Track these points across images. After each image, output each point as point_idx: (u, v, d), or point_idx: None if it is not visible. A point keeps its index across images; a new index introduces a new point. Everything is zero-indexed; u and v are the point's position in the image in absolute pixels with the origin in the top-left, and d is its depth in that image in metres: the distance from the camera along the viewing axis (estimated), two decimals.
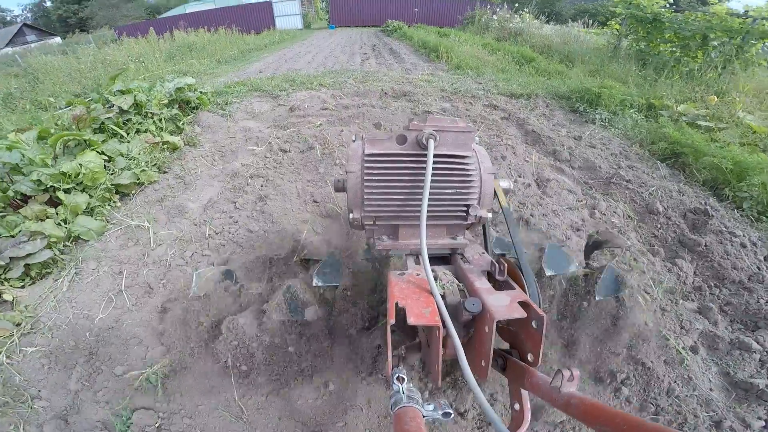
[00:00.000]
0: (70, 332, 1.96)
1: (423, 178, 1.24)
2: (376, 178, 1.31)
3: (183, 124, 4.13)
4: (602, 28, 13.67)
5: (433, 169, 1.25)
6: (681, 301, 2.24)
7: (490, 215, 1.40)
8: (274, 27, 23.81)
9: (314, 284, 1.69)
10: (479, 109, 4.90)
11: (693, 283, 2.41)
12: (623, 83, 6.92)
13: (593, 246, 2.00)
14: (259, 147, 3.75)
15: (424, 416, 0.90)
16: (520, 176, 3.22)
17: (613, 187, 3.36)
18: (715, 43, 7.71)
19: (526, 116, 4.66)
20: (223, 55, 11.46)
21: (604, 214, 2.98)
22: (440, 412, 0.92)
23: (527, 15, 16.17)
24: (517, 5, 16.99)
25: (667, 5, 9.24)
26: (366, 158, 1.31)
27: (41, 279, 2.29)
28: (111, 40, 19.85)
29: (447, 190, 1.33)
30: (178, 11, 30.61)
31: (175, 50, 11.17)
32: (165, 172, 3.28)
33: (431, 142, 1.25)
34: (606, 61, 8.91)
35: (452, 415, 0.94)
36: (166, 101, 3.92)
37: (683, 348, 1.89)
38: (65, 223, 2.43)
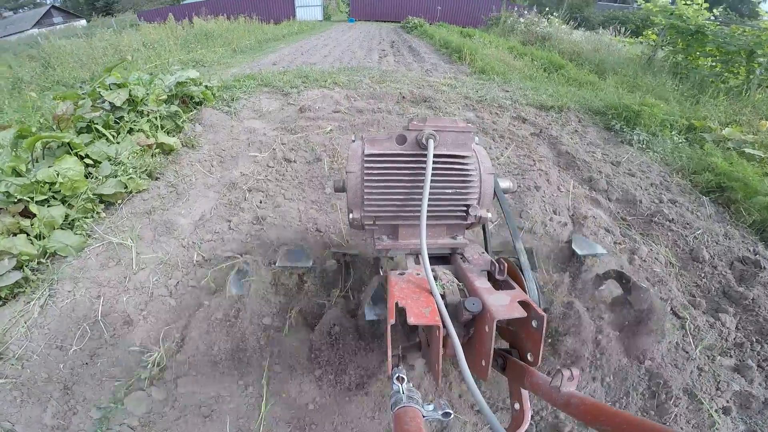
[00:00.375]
0: (42, 363, 1.75)
1: (423, 178, 1.25)
2: (376, 178, 1.30)
3: (183, 121, 3.85)
4: (634, 37, 13.03)
5: (433, 169, 1.25)
6: (719, 357, 2.00)
7: (489, 215, 1.39)
8: (294, 17, 23.52)
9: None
10: (507, 121, 4.49)
11: (734, 339, 2.11)
12: (662, 99, 6.45)
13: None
14: (262, 153, 3.45)
15: (424, 416, 0.90)
16: (555, 212, 2.84)
17: (655, 227, 2.97)
18: (762, 59, 7.16)
19: (558, 134, 4.22)
20: (240, 44, 11.22)
21: (645, 261, 2.61)
22: (440, 412, 0.92)
23: (555, 19, 15.57)
24: (546, 9, 16.37)
25: (712, 17, 8.70)
26: (366, 158, 1.30)
27: (12, 299, 2.05)
28: (131, 25, 19.89)
29: (447, 190, 1.33)
30: None
31: (191, 38, 10.96)
32: (157, 179, 3.00)
33: (431, 142, 1.24)
34: (640, 73, 8.40)
35: (452, 415, 0.94)
36: (164, 97, 3.64)
37: (716, 410, 1.71)
38: (40, 237, 2.18)
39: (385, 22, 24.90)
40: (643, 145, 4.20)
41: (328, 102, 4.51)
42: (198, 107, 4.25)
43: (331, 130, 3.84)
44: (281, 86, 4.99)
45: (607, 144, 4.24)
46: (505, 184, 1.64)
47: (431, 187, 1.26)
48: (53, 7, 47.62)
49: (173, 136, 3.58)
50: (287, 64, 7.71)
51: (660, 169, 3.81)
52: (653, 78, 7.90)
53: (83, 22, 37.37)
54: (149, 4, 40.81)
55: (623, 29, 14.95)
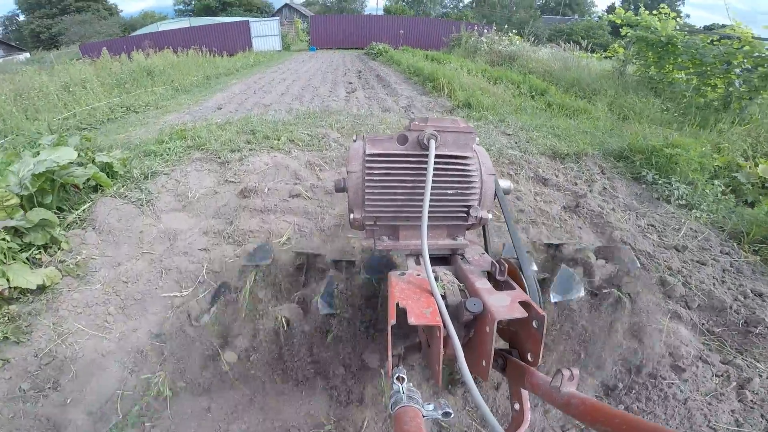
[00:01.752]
0: None
1: (424, 178, 1.24)
2: (377, 178, 1.29)
3: (63, 230, 2.58)
4: (594, 51, 12.95)
5: (434, 169, 1.24)
6: None
7: (490, 216, 1.39)
8: (251, 48, 22.50)
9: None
10: (528, 189, 3.45)
11: None
12: (655, 123, 5.84)
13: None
14: (183, 291, 2.21)
15: (424, 416, 0.90)
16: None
17: (754, 339, 2.06)
18: (738, 70, 6.79)
19: (599, 206, 3.24)
20: (184, 81, 9.95)
21: (757, 394, 1.76)
22: (440, 412, 0.92)
23: (515, 37, 15.52)
24: (506, 26, 16.34)
25: (678, 27, 8.41)
26: (367, 158, 1.29)
27: None
28: (71, 59, 18.10)
29: (448, 191, 1.32)
30: (150, 29, 29.01)
31: (128, 75, 9.59)
32: (6, 361, 1.74)
33: (432, 143, 1.24)
34: (621, 92, 7.93)
35: (452, 415, 0.94)
36: (14, 201, 2.31)
37: None
38: None
39: (348, 49, 24.42)
40: (683, 201, 3.35)
41: (282, 176, 3.31)
42: (91, 197, 2.96)
43: (287, 239, 2.61)
44: (218, 149, 3.72)
45: (643, 203, 3.34)
46: (505, 184, 1.58)
47: (432, 188, 1.24)
48: None
49: (43, 264, 2.28)
50: (235, 107, 6.54)
51: (718, 239, 2.93)
52: (637, 97, 7.42)
53: (26, 55, 34.88)
54: (96, 36, 38.69)
55: (571, 42, 15.10)
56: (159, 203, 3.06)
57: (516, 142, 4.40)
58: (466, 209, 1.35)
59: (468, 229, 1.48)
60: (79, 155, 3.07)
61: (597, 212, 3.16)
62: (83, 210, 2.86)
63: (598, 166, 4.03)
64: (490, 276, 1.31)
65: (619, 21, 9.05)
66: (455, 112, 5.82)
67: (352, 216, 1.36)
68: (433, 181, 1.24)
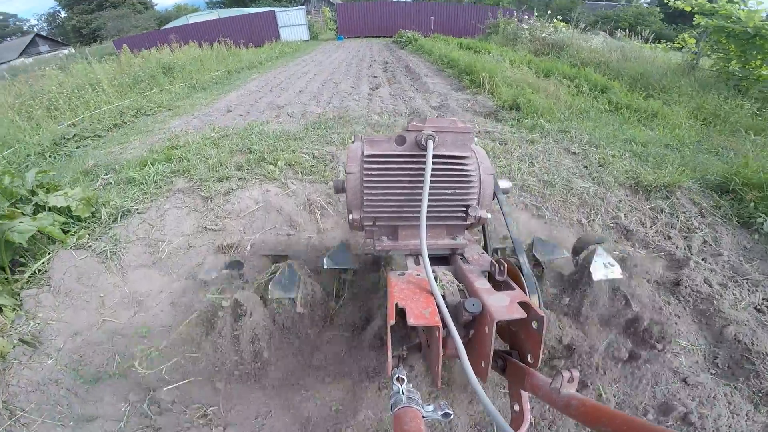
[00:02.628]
0: None
1: (422, 178, 1.24)
2: (376, 179, 1.29)
3: (17, 289, 2.09)
4: (660, 42, 11.24)
5: (433, 169, 1.24)
6: None
7: (489, 215, 1.37)
8: (278, 39, 21.94)
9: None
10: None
11: None
12: (758, 132, 4.60)
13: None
14: (144, 370, 1.71)
15: (423, 417, 0.90)
16: None
17: None
18: None
19: (705, 280, 2.23)
20: (202, 78, 9.44)
21: None
22: (440, 413, 0.92)
23: (560, 23, 13.98)
24: (540, 13, 14.73)
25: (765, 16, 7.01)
26: (365, 159, 1.29)
27: None
28: (108, 54, 18.29)
29: (446, 191, 1.31)
30: (180, 21, 29.16)
31: (145, 73, 9.19)
32: None
33: (430, 143, 1.23)
34: (699, 91, 6.57)
35: (452, 416, 0.93)
36: None
37: None
38: None
39: (375, 38, 23.33)
40: None
41: (273, 222, 2.54)
42: (52, 247, 2.37)
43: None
44: (204, 177, 3.00)
45: (753, 261, 2.34)
46: (504, 184, 1.58)
47: (431, 188, 1.24)
48: (38, 35, 47.15)
49: None
50: (246, 109, 5.85)
51: None
52: (720, 98, 6.06)
53: (69, 49, 36.52)
54: (133, 30, 39.74)
55: (613, 29, 13.39)
56: (127, 256, 2.42)
57: (586, 167, 3.33)
58: (465, 209, 1.35)
59: (467, 229, 1.46)
60: (26, 199, 2.46)
61: (705, 294, 2.12)
62: (42, 263, 2.31)
63: (694, 203, 2.94)
64: (489, 276, 1.30)
65: (688, 8, 7.80)
66: (500, 115, 4.77)
67: (351, 217, 1.35)
68: (432, 181, 1.24)
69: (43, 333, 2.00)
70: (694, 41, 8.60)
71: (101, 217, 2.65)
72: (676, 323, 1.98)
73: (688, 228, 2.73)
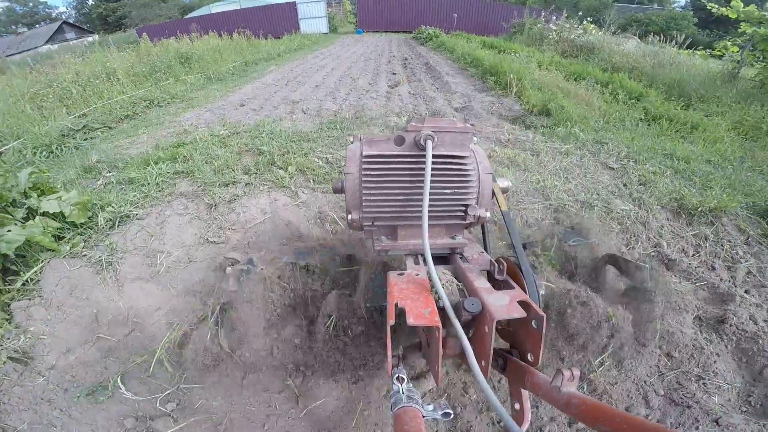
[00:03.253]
0: None
1: (421, 178, 1.25)
2: (375, 179, 1.29)
3: (9, 297, 1.96)
4: (680, 46, 10.59)
5: (432, 169, 1.24)
6: None
7: (488, 214, 1.37)
8: (298, 31, 21.75)
9: None
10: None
11: None
12: None
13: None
14: (138, 396, 1.61)
15: (423, 416, 0.90)
16: None
17: None
18: None
19: (750, 316, 2.03)
20: (219, 69, 9.28)
21: None
22: (440, 412, 0.93)
23: (590, 26, 13.39)
24: (580, 14, 14.13)
25: None
26: (364, 159, 1.29)
27: None
28: (131, 42, 18.40)
29: (445, 191, 1.31)
30: (202, 11, 29.21)
31: (162, 62, 9.08)
32: None
33: (429, 143, 1.23)
34: (742, 103, 6.09)
35: (452, 415, 0.95)
36: None
37: None
38: None
39: (395, 32, 22.92)
40: None
41: (280, 238, 2.27)
42: (44, 255, 2.18)
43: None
44: (209, 180, 2.78)
45: None
46: (503, 183, 1.60)
47: (430, 188, 1.22)
48: (65, 23, 48.29)
49: None
50: (260, 103, 5.63)
51: None
52: (763, 110, 5.58)
53: (95, 37, 37.17)
54: (157, 18, 40.20)
55: (644, 32, 12.77)
56: (123, 267, 2.22)
57: (625, 184, 2.99)
58: (464, 208, 1.34)
59: (466, 228, 1.46)
60: (18, 201, 2.27)
61: (750, 332, 1.92)
62: (34, 272, 2.13)
63: (741, 231, 2.62)
64: (489, 275, 1.30)
65: (733, 15, 7.33)
66: (528, 121, 4.41)
67: (350, 217, 1.34)
68: (431, 181, 1.24)
69: (35, 349, 1.85)
70: (737, 49, 8.07)
71: (98, 223, 2.46)
72: (714, 361, 1.85)
73: (732, 258, 2.46)
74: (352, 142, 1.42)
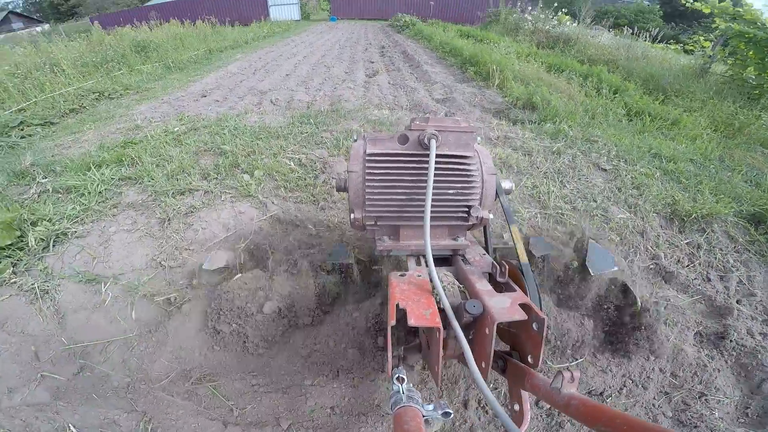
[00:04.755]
0: None
1: (424, 178, 1.24)
2: (378, 177, 1.27)
3: None
4: (654, 40, 10.77)
5: (435, 169, 1.22)
6: None
7: (491, 216, 1.37)
8: (267, 17, 20.72)
9: None
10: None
11: None
12: None
13: None
14: None
15: (423, 416, 0.90)
16: None
17: None
18: None
19: (747, 330, 2.00)
20: (180, 58, 8.56)
21: None
22: (440, 412, 0.92)
23: (565, 17, 13.46)
24: (556, 4, 14.13)
25: None
26: (368, 158, 1.27)
27: None
28: (84, 31, 16.81)
29: (448, 191, 1.30)
30: None
31: (115, 52, 8.25)
32: None
33: (433, 142, 1.22)
34: (712, 97, 6.20)
35: (452, 415, 0.94)
36: None
37: None
38: None
39: (371, 20, 22.30)
40: None
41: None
42: None
43: None
44: (162, 187, 2.36)
45: None
46: (506, 185, 1.58)
47: (433, 188, 1.21)
48: (11, 12, 44.48)
49: None
50: (224, 94, 5.15)
51: None
52: (735, 106, 5.69)
53: (45, 26, 34.29)
54: (113, 6, 37.50)
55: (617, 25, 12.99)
56: (62, 295, 1.87)
57: (619, 188, 2.83)
58: (467, 209, 1.33)
59: (469, 230, 1.45)
60: None
61: (749, 347, 1.89)
62: None
63: (731, 238, 2.54)
64: (490, 277, 1.29)
65: (707, 10, 7.46)
66: (512, 114, 4.19)
67: (352, 216, 1.33)
68: (434, 181, 1.22)
69: None
70: (710, 44, 8.22)
71: (29, 244, 2.05)
72: (715, 378, 1.79)
73: (724, 267, 2.37)
74: (355, 140, 1.40)
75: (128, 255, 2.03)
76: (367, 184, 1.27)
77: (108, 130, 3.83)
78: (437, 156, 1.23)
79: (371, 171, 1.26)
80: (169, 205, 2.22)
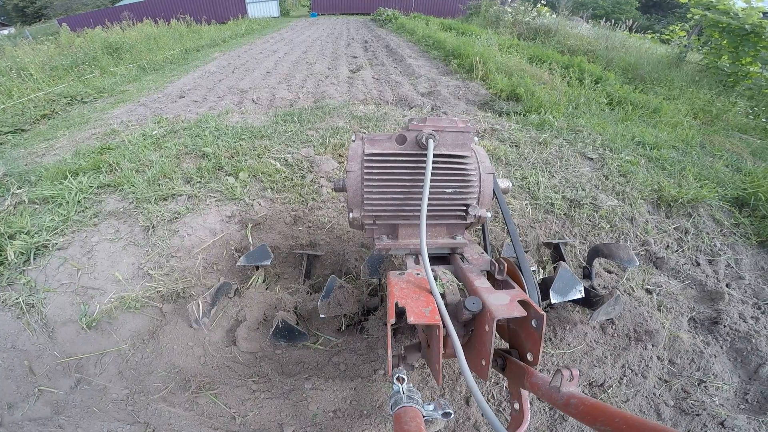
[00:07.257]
0: None
1: (422, 177, 1.25)
2: (376, 177, 1.28)
3: None
4: (630, 30, 10.99)
5: (433, 168, 1.25)
6: None
7: (489, 214, 1.36)
8: (245, 14, 20.26)
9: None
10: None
11: None
12: (749, 131, 4.38)
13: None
14: None
15: (424, 416, 0.90)
16: None
17: None
18: None
19: (739, 314, 2.03)
20: (155, 58, 8.29)
21: None
22: (440, 412, 0.92)
23: (544, 8, 13.58)
24: None
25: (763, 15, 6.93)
26: (366, 158, 1.28)
27: None
28: (52, 33, 16.08)
29: (446, 190, 1.31)
30: None
31: (86, 54, 7.92)
32: None
33: (431, 142, 1.23)
34: (689, 85, 6.36)
35: (452, 415, 0.94)
36: None
37: None
38: None
39: (353, 15, 22.05)
40: None
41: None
42: None
43: None
44: (143, 194, 2.27)
45: None
46: (504, 184, 1.57)
47: (431, 187, 1.24)
48: None
49: None
50: (203, 94, 5.01)
51: None
52: (712, 94, 5.86)
53: (11, 30, 32.70)
54: (83, 7, 36.03)
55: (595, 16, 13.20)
56: (50, 309, 1.81)
57: (606, 176, 2.87)
58: (465, 208, 1.34)
59: (467, 228, 1.45)
60: None
61: (743, 332, 1.92)
62: None
63: (716, 221, 2.61)
64: (489, 275, 1.30)
65: (683, 0, 7.57)
66: (497, 106, 4.20)
67: (351, 215, 1.33)
68: (432, 180, 1.24)
69: None
70: (685, 34, 8.41)
71: (8, 258, 1.96)
72: (713, 364, 1.81)
73: (712, 250, 2.42)
74: (353, 141, 1.42)
75: (113, 265, 1.95)
76: (365, 183, 1.28)
77: (83, 135, 3.67)
78: (435, 156, 1.24)
79: (370, 171, 1.27)
80: (152, 212, 2.14)
